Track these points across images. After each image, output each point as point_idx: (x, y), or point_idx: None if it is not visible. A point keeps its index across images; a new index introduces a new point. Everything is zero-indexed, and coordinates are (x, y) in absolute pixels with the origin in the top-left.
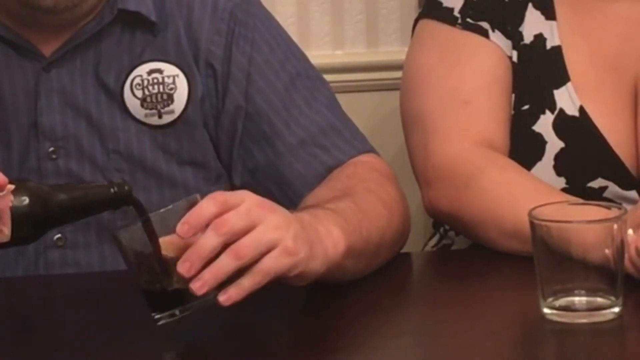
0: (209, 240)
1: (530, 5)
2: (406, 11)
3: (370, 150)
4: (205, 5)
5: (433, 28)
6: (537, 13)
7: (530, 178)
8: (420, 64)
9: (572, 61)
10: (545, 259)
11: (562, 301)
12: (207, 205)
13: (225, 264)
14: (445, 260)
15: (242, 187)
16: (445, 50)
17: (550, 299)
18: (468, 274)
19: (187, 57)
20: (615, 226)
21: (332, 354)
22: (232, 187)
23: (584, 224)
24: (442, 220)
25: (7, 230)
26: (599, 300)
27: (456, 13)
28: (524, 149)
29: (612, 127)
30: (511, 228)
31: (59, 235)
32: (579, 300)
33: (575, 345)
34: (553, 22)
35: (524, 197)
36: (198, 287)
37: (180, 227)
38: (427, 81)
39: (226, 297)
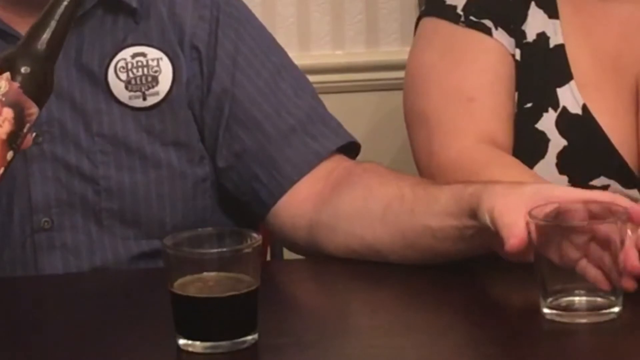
0: None
1: (533, 3)
2: (406, 11)
3: (354, 140)
4: None
5: (436, 26)
6: (540, 12)
7: (533, 176)
8: (423, 62)
9: (575, 59)
10: (546, 259)
11: (562, 301)
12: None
13: None
14: None
15: (226, 169)
16: (448, 48)
17: (550, 299)
18: (469, 273)
19: (171, 41)
20: (616, 226)
21: (331, 354)
22: (215, 169)
23: (584, 224)
24: None
25: (35, 109)
26: (599, 300)
27: (459, 11)
28: (526, 147)
29: (614, 126)
30: None
31: (45, 218)
32: (579, 300)
33: (575, 345)
34: (556, 21)
35: None
36: (631, 286)
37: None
38: (430, 79)
39: (631, 285)
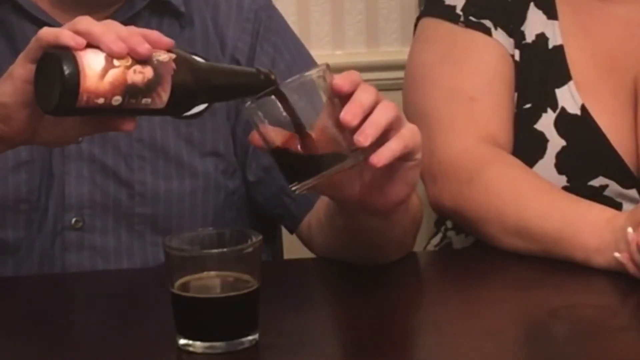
0: (368, 97)
1: (532, 4)
2: (406, 11)
3: None
4: (230, 4)
5: (435, 26)
6: (539, 12)
7: (533, 175)
8: (423, 62)
9: (574, 60)
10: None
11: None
12: (368, 97)
13: (381, 116)
14: (447, 259)
15: (256, 183)
16: (448, 47)
17: None
18: (470, 273)
19: (215, 51)
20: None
21: (331, 354)
22: (245, 183)
23: None
24: (446, 216)
25: (165, 97)
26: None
27: (458, 11)
28: (525, 147)
29: (613, 126)
30: (513, 225)
31: (77, 217)
32: None
33: (576, 345)
34: (555, 22)
35: (527, 194)
36: (362, 139)
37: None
38: (431, 79)
39: (378, 159)
